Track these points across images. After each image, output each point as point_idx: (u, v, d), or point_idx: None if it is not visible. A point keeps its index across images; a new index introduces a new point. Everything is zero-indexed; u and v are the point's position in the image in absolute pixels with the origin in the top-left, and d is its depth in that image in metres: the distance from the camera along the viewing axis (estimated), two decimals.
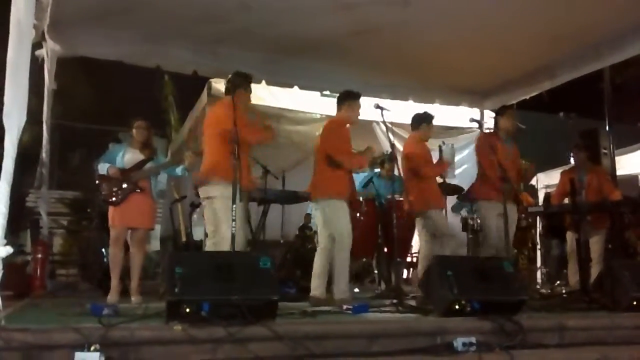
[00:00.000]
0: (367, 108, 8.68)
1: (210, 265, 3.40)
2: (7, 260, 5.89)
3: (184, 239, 5.89)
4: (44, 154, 6.27)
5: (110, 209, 5.07)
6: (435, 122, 8.10)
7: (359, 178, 8.15)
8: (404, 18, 6.31)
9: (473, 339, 3.50)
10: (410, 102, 8.45)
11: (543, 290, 7.08)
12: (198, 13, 6.32)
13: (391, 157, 6.83)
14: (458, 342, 3.47)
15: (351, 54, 7.34)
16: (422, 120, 6.06)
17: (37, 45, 6.34)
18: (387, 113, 5.79)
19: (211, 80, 8.14)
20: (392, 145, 6.11)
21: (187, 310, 3.22)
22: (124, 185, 5.05)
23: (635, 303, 4.34)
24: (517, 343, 3.58)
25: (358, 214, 6.72)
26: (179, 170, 5.12)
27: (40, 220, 6.24)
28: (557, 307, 4.74)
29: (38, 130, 7.46)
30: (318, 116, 8.80)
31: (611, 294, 4.51)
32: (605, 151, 7.14)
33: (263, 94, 8.13)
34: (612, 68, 8.52)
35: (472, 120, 5.77)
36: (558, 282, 7.64)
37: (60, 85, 9.28)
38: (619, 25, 6.36)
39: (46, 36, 6.33)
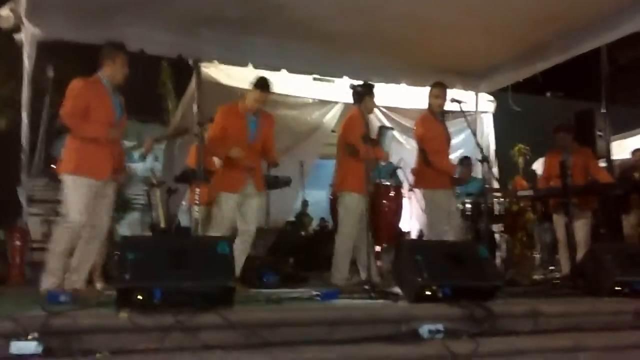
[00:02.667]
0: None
1: (165, 251, 3.29)
2: None
3: (163, 225, 5.78)
4: (24, 141, 6.14)
5: None
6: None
7: None
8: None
9: (440, 326, 3.37)
10: (404, 85, 8.29)
11: (535, 276, 6.93)
12: None
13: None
14: (424, 329, 3.34)
15: (339, 37, 7.17)
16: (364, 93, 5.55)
17: (15, 29, 6.24)
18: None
19: (200, 64, 8.02)
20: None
21: (139, 297, 3.10)
22: None
23: (617, 288, 4.19)
24: (486, 330, 3.45)
25: None
26: (135, 155, 5.00)
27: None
28: (539, 293, 4.58)
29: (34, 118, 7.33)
30: (310, 100, 8.67)
31: (594, 279, 4.35)
32: (600, 133, 6.91)
33: (245, 76, 7.98)
34: (615, 48, 8.28)
35: (453, 100, 5.56)
36: (552, 267, 7.46)
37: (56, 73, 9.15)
38: (613, 2, 6.15)
39: (24, 20, 6.20)
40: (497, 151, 9.07)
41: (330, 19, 6.71)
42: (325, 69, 7.82)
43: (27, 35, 6.28)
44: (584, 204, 5.91)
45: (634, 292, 4.16)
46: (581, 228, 5.90)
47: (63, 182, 4.31)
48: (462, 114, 5.75)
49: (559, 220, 6.06)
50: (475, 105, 8.54)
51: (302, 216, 9.44)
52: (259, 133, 5.05)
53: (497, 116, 9.09)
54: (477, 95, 8.52)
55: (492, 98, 9.05)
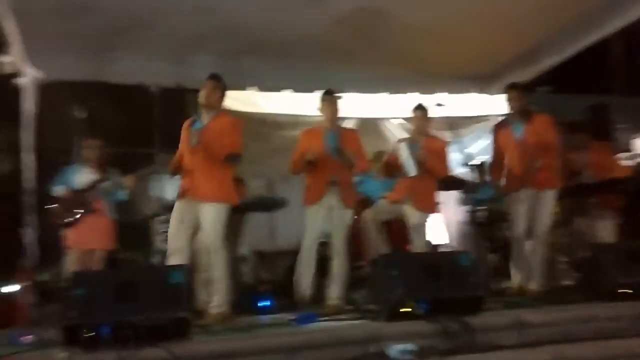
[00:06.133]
0: (375, 106, 8.40)
1: (113, 285, 3.20)
2: None
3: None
4: (28, 182, 6.21)
5: (67, 231, 4.98)
6: (446, 112, 7.77)
7: None
8: (387, 7, 6.09)
9: (411, 345, 3.15)
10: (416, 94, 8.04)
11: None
12: (169, 23, 6.22)
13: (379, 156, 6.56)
14: (392, 350, 3.13)
15: (342, 51, 7.06)
16: None
17: (15, 74, 6.38)
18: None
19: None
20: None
21: (86, 334, 3.02)
22: (78, 207, 4.94)
23: (620, 291, 3.83)
24: (463, 346, 3.20)
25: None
26: (122, 194, 5.02)
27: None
28: (534, 302, 4.25)
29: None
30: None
31: (594, 282, 4.01)
32: (621, 126, 6.50)
33: (258, 100, 7.93)
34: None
35: (438, 105, 5.32)
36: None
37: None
38: None
39: (26, 64, 6.33)
40: None
41: (330, 34, 6.63)
42: (332, 85, 7.66)
43: (30, 79, 6.42)
44: (606, 203, 5.56)
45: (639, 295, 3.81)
46: (605, 229, 5.54)
47: None
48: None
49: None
50: (491, 109, 8.23)
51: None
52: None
53: None
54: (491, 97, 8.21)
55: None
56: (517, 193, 5.11)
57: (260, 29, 6.44)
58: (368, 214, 5.36)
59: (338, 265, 4.93)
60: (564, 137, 6.17)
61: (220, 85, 4.57)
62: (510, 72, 7.59)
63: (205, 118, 4.51)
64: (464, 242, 7.29)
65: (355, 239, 6.28)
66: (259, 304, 5.16)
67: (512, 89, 5.28)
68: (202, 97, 4.49)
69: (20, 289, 5.67)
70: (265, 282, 6.28)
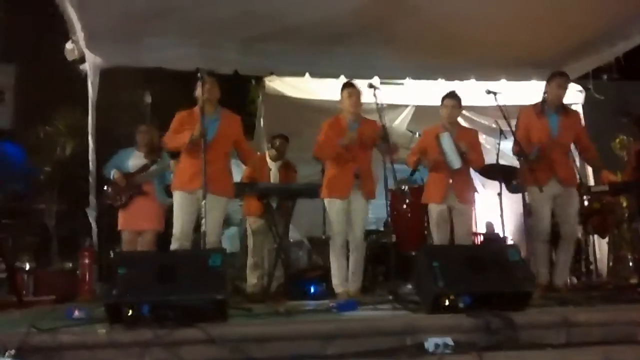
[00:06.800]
0: (433, 92, 8.24)
1: (155, 265, 3.26)
2: (54, 267, 6.20)
3: None
4: (91, 165, 6.43)
5: (118, 213, 5.15)
6: (505, 101, 7.54)
7: None
8: None
9: (448, 339, 3.06)
10: (473, 81, 7.84)
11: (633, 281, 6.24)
12: (228, 12, 6.28)
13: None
14: (430, 343, 3.05)
15: (398, 37, 6.96)
16: None
17: (80, 60, 6.61)
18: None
19: (264, 78, 8.12)
20: None
21: (129, 312, 3.09)
22: (128, 189, 5.10)
23: None
24: (504, 342, 3.09)
25: (404, 205, 6.32)
26: (170, 178, 5.16)
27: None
28: (598, 300, 4.07)
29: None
30: (373, 106, 8.44)
31: None
32: None
33: (313, 87, 7.92)
34: None
35: (489, 92, 5.11)
36: None
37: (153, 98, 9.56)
38: None
39: (85, 51, 6.53)
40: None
41: (385, 22, 6.54)
42: (387, 72, 7.55)
43: (90, 65, 6.63)
44: None
45: None
46: None
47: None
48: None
49: None
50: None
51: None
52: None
53: (595, 107, 8.23)
54: None
55: (580, 88, 8.29)
56: (544, 187, 4.86)
57: (321, 18, 6.41)
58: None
59: (355, 260, 4.93)
60: (634, 130, 5.90)
61: (217, 80, 4.64)
62: (575, 59, 7.28)
63: (211, 112, 4.56)
64: (518, 235, 7.11)
65: (406, 227, 6.26)
66: (309, 290, 5.20)
67: (562, 77, 5.05)
68: (206, 91, 4.51)
69: (84, 266, 5.89)
70: (318, 267, 6.31)
